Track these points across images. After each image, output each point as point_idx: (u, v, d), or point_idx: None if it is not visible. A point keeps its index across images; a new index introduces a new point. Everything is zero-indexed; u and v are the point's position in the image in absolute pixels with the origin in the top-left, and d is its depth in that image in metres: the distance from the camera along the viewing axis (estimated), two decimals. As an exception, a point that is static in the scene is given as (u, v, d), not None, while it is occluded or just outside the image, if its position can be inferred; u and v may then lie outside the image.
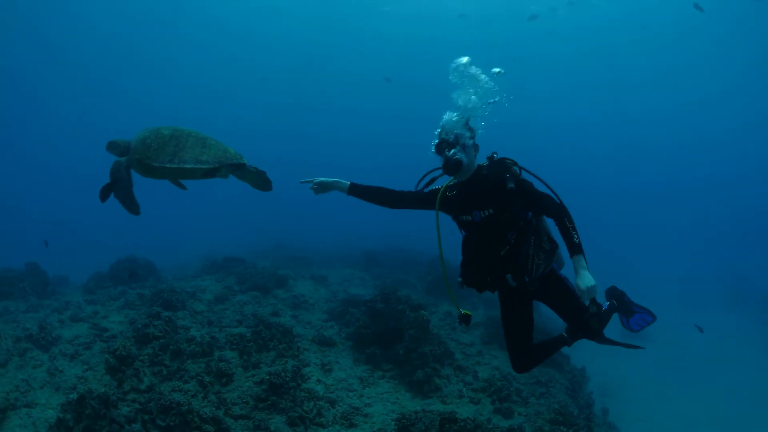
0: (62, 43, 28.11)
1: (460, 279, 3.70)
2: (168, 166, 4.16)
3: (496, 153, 3.66)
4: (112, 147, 4.45)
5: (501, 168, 3.54)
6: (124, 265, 11.65)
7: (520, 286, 3.52)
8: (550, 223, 3.70)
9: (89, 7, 25.05)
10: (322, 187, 4.05)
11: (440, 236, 3.79)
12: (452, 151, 3.48)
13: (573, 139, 42.98)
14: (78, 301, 10.67)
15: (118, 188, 4.42)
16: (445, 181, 3.78)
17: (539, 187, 3.63)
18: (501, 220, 3.47)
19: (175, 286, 9.43)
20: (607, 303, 4.22)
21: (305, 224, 26.38)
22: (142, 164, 4.26)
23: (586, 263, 3.26)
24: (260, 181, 4.65)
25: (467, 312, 3.72)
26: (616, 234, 38.31)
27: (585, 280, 3.18)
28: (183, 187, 4.78)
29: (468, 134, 3.55)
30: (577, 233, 3.30)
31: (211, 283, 11.21)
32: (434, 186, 3.85)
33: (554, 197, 3.50)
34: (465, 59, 3.59)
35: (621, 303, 4.28)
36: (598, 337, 3.82)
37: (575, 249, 3.26)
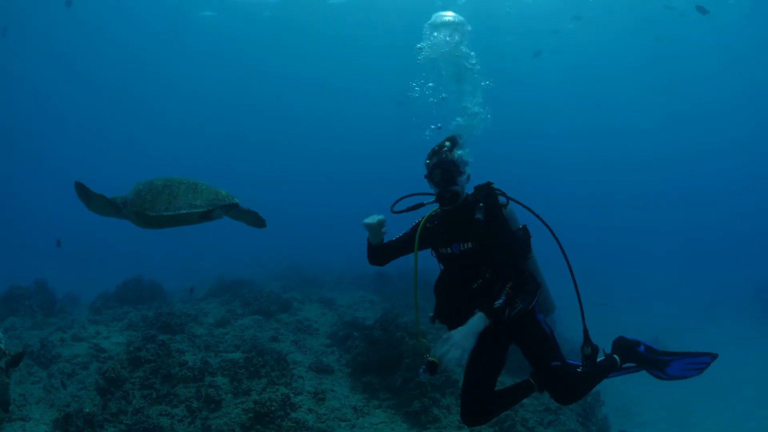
0: (87, 61, 28.85)
1: (431, 314, 3.38)
2: (165, 214, 4.35)
3: (492, 183, 3.38)
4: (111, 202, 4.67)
5: (482, 196, 3.27)
6: (130, 286, 11.62)
7: (493, 324, 3.10)
8: (546, 258, 3.43)
9: (123, 26, 25.72)
10: (376, 231, 3.60)
11: (417, 274, 3.45)
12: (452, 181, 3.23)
13: (586, 146, 42.43)
14: (82, 321, 10.68)
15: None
16: (426, 211, 3.50)
17: (525, 218, 3.35)
18: (481, 254, 3.19)
19: (175, 310, 9.35)
20: (604, 357, 3.60)
21: (321, 244, 26.24)
22: (140, 216, 4.43)
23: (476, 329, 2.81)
24: (254, 220, 4.83)
25: (434, 359, 3.38)
26: (636, 241, 37.55)
27: (445, 344, 2.76)
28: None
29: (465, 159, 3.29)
30: (506, 299, 2.88)
31: (215, 306, 11.09)
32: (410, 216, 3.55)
33: (516, 254, 3.14)
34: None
35: (636, 356, 3.66)
36: (568, 397, 3.27)
37: (487, 311, 2.84)
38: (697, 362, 3.65)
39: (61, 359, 8.65)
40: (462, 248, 3.25)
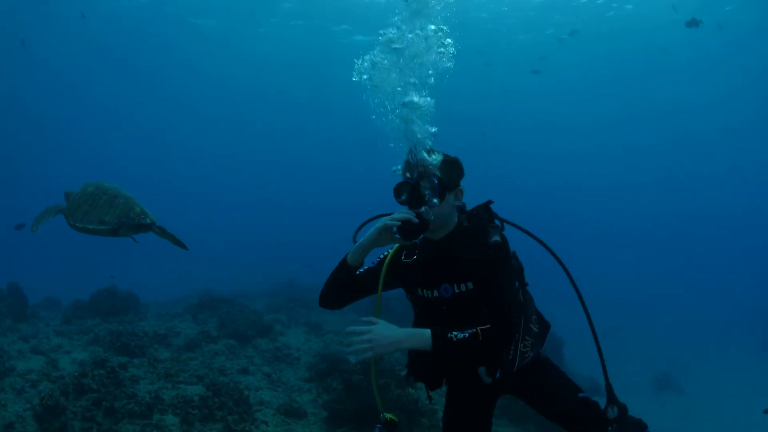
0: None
1: (405, 371, 2.63)
2: (78, 225, 4.43)
3: (492, 201, 2.60)
4: (66, 196, 4.84)
5: (483, 222, 2.49)
6: (104, 296, 10.82)
7: (494, 383, 2.47)
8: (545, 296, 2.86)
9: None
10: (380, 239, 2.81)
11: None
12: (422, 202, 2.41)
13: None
14: (48, 331, 9.92)
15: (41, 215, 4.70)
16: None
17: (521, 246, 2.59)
18: (481, 297, 2.40)
19: (138, 329, 8.49)
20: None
21: (322, 261, 25.55)
22: (66, 219, 4.58)
23: None
24: (175, 241, 4.80)
25: (392, 417, 2.64)
26: (641, 266, 36.50)
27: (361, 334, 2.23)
28: (134, 240, 4.88)
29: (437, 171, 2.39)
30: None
31: (189, 325, 10.20)
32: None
33: (509, 307, 2.36)
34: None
35: None
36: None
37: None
38: None
39: (15, 373, 7.88)
40: (456, 290, 2.45)
